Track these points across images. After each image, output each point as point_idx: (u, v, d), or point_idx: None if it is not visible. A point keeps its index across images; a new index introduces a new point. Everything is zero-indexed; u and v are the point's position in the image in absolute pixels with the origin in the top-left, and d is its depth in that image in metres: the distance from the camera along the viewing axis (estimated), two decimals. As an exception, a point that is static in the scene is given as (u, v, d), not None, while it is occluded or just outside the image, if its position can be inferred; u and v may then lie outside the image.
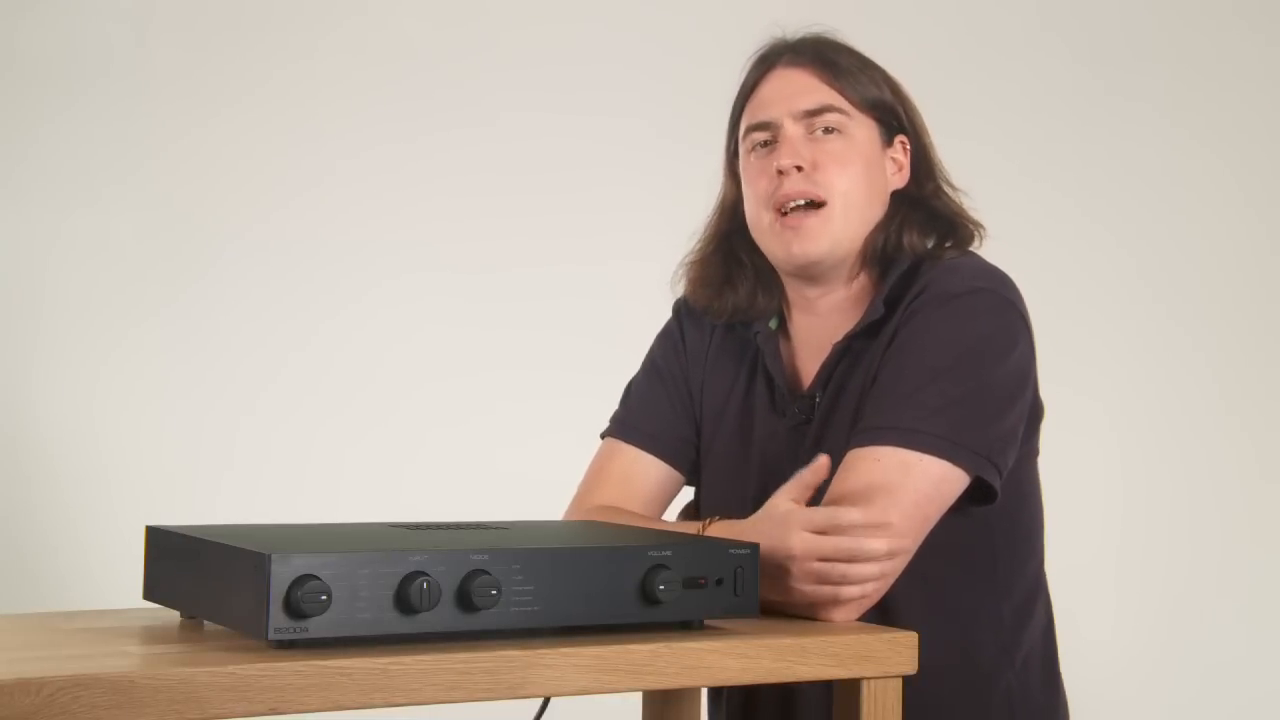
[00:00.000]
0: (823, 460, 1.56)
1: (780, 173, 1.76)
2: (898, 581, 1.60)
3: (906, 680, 1.44)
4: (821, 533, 1.49)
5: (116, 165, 3.44)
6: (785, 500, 1.55)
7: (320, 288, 3.47)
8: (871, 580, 1.51)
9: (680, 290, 1.94)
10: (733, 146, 1.88)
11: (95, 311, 3.43)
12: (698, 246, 1.92)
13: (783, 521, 1.52)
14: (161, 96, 3.46)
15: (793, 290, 1.85)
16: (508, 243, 3.51)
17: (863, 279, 1.81)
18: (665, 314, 1.99)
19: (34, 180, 3.43)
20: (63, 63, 3.44)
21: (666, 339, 1.97)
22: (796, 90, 1.80)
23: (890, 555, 1.51)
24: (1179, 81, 3.66)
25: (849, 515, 1.49)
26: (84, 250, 3.43)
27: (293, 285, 3.47)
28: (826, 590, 1.50)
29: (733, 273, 1.88)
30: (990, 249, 1.84)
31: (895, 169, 1.84)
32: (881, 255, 1.79)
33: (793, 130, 1.78)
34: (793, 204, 1.76)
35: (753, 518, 1.58)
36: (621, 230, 3.46)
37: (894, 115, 1.83)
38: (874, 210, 1.80)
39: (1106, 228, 3.64)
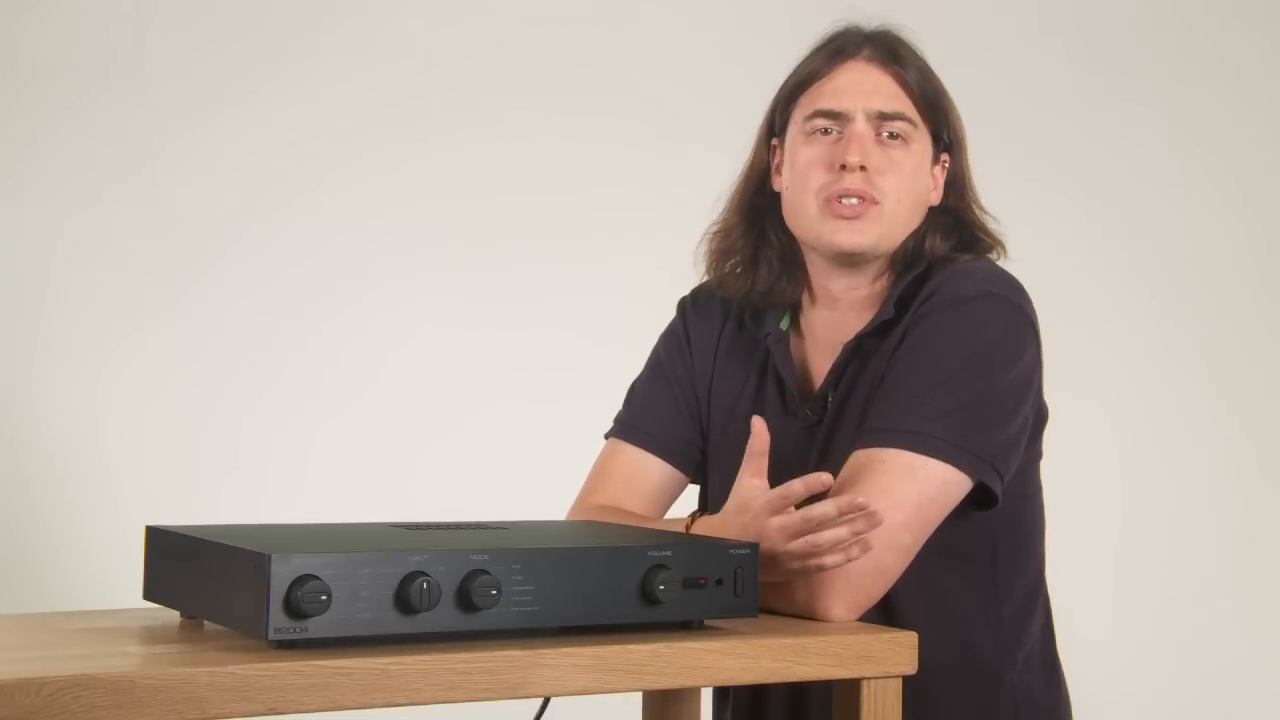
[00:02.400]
0: (758, 425, 1.58)
1: (843, 167, 1.75)
2: (899, 582, 1.61)
3: (910, 681, 1.44)
4: (777, 511, 1.50)
5: (117, 165, 3.44)
6: (749, 482, 1.57)
7: (322, 288, 3.47)
8: (841, 542, 1.48)
9: (702, 262, 1.92)
10: (781, 122, 1.85)
11: (96, 312, 3.43)
12: (722, 218, 1.91)
13: (748, 508, 1.54)
14: (162, 97, 3.46)
15: (818, 280, 1.84)
16: (509, 243, 3.51)
17: (885, 280, 1.82)
18: (668, 313, 1.99)
19: (34, 180, 3.43)
20: (63, 63, 3.44)
21: (670, 338, 1.96)
22: (874, 88, 1.79)
23: (841, 514, 1.47)
24: (1177, 82, 3.66)
25: (794, 488, 1.49)
26: (85, 250, 3.43)
27: (294, 286, 3.47)
28: (812, 563, 1.50)
29: (759, 252, 1.86)
30: (1010, 257, 1.84)
31: (933, 186, 1.84)
32: (906, 258, 1.80)
33: (863, 128, 1.77)
34: (849, 200, 1.76)
35: (724, 511, 1.59)
36: (624, 231, 3.46)
37: (947, 133, 1.84)
38: (915, 221, 1.81)
39: (1105, 228, 3.64)
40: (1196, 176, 3.65)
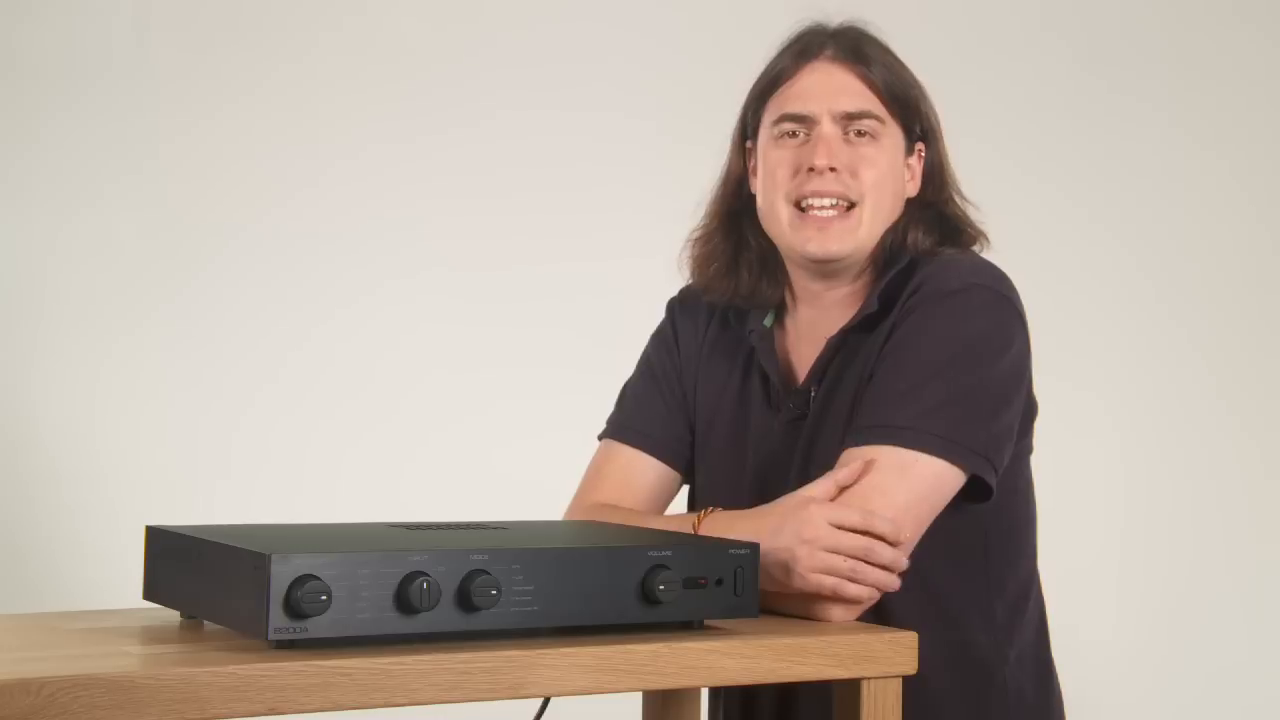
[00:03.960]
0: (859, 465, 1.58)
1: (811, 169, 1.75)
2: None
3: (903, 680, 1.44)
4: (841, 528, 1.51)
5: (116, 165, 3.44)
6: (816, 492, 1.57)
7: (319, 286, 3.47)
8: (872, 584, 1.52)
9: (685, 267, 1.92)
10: (753, 124, 1.86)
11: (95, 311, 3.43)
12: (702, 223, 1.91)
13: (804, 505, 1.53)
14: (161, 96, 3.46)
15: (799, 282, 1.85)
16: (506, 241, 3.51)
17: (867, 275, 1.82)
18: (663, 311, 1.99)
19: (34, 180, 3.43)
20: (63, 63, 3.44)
21: (659, 338, 1.97)
22: (839, 89, 1.78)
23: (897, 566, 1.53)
24: (1180, 80, 3.66)
25: (881, 523, 1.52)
26: (84, 250, 3.43)
27: (291, 284, 3.47)
28: (830, 582, 1.50)
29: (739, 256, 1.87)
30: (992, 247, 1.84)
31: (909, 177, 1.84)
32: (888, 254, 1.79)
33: (830, 130, 1.77)
34: (821, 202, 1.76)
35: (774, 502, 1.59)
36: (620, 228, 3.46)
37: (919, 124, 1.83)
38: (893, 217, 1.81)
39: (1107, 226, 3.64)
40: (1199, 174, 3.65)
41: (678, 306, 1.97)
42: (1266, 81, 3.67)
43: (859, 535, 1.51)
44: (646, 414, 1.91)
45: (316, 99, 3.49)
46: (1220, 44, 3.67)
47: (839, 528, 1.51)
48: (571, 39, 3.55)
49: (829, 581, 1.50)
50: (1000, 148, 3.46)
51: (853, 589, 1.51)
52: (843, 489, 1.58)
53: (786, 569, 1.51)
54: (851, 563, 1.50)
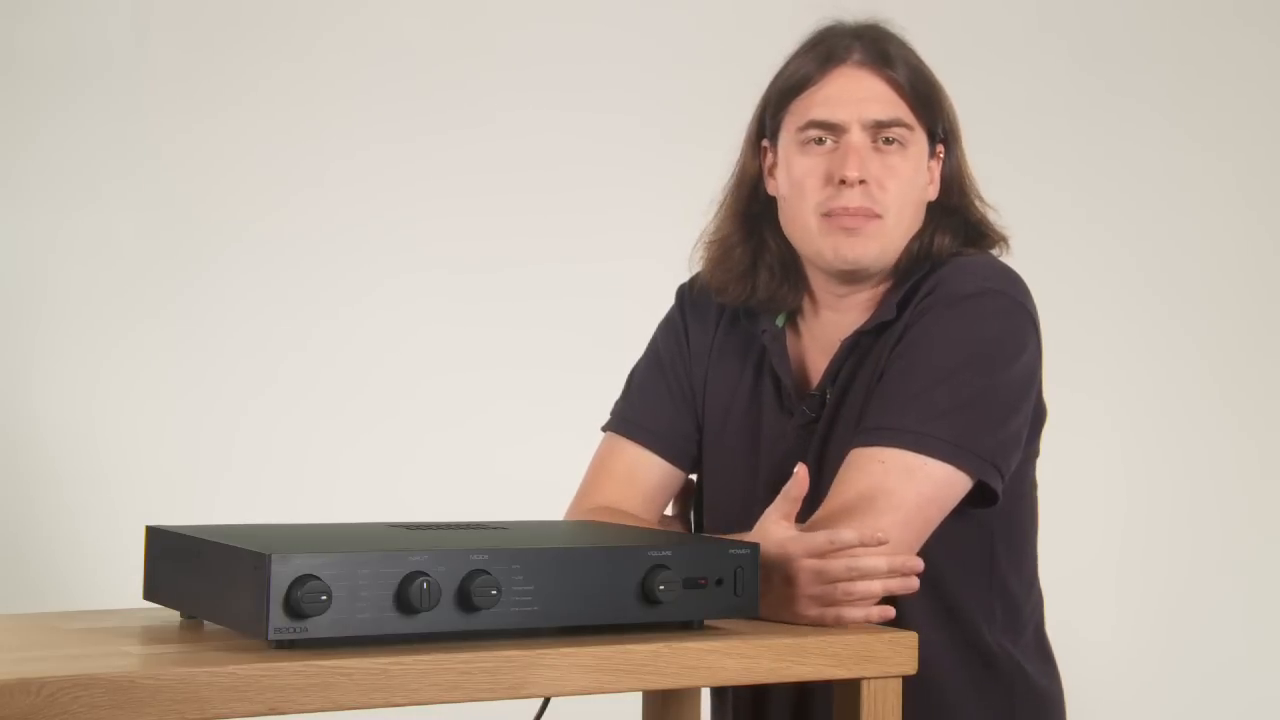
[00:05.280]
0: (802, 472, 1.53)
1: (843, 182, 1.73)
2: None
3: (910, 679, 1.44)
4: (822, 555, 1.48)
5: (116, 164, 3.44)
6: (777, 522, 1.52)
7: (319, 287, 3.47)
8: (874, 598, 1.49)
9: (698, 267, 1.90)
10: (772, 125, 1.82)
11: (95, 311, 3.43)
12: (716, 224, 1.88)
13: (781, 548, 1.50)
14: (161, 96, 3.46)
15: (820, 286, 1.83)
16: (507, 242, 3.51)
17: (888, 281, 1.80)
18: (672, 299, 1.98)
19: (34, 180, 3.43)
20: (63, 63, 3.43)
21: (669, 329, 1.94)
22: (868, 96, 1.75)
23: (891, 572, 1.50)
24: (1179, 81, 3.66)
25: (845, 536, 1.47)
26: (84, 249, 3.43)
27: (291, 284, 3.47)
28: (830, 613, 1.48)
29: (758, 258, 1.84)
30: (1012, 252, 1.84)
31: (929, 180, 1.82)
32: (913, 259, 1.78)
33: (859, 139, 1.74)
34: (849, 215, 1.74)
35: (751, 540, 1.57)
36: (621, 229, 3.46)
37: (942, 125, 1.81)
38: (916, 225, 1.79)
39: (1107, 227, 3.64)
40: (1198, 174, 3.65)
41: (688, 299, 1.93)
42: (1267, 82, 3.67)
43: (845, 560, 1.47)
44: (652, 408, 1.89)
45: (317, 99, 3.49)
46: (1220, 44, 3.67)
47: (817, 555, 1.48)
48: (572, 40, 3.55)
49: (830, 613, 1.48)
50: (998, 148, 3.42)
51: (852, 613, 1.48)
52: (797, 503, 1.53)
53: (789, 611, 1.49)
54: (844, 586, 1.47)
